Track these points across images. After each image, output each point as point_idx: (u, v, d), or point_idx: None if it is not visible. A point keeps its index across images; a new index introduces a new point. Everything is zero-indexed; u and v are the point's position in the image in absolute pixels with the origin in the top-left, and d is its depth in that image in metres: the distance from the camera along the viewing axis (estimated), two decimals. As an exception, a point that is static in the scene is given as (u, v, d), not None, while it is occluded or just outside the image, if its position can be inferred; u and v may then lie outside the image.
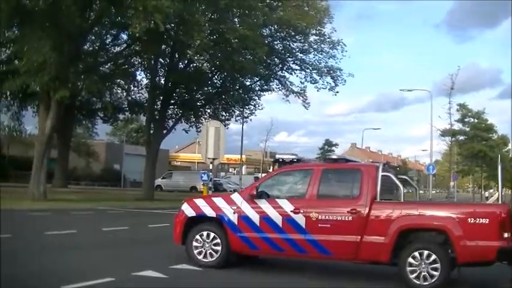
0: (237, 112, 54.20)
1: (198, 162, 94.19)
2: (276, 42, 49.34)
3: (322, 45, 49.52)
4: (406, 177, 15.77)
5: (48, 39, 31.87)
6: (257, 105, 53.48)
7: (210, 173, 28.90)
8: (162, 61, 49.52)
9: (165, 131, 48.92)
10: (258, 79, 51.09)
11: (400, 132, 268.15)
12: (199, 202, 13.58)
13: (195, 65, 48.69)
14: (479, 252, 11.20)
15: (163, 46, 45.76)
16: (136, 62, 49.28)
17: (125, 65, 46.98)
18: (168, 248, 15.58)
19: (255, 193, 12.88)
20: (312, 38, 49.28)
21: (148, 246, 16.36)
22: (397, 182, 12.70)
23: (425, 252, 11.31)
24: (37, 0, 28.78)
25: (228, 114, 53.11)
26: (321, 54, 49.97)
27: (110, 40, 46.94)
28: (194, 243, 13.07)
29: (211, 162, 28.53)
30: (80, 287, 9.76)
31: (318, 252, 12.23)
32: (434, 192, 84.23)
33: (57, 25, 32.58)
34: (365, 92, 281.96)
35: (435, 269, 11.19)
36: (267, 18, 43.83)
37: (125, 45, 46.72)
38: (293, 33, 48.02)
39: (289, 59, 50.83)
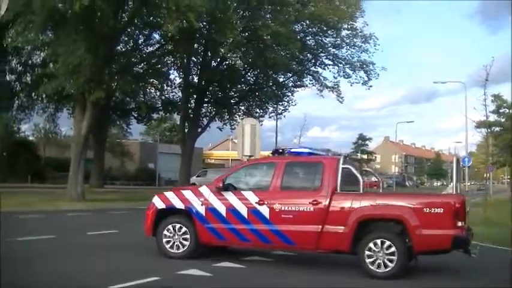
0: (271, 109, 54.29)
1: (232, 160, 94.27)
2: (308, 38, 49.26)
3: (355, 40, 49.38)
4: (370, 170, 16.22)
5: (83, 41, 32.06)
6: (290, 102, 53.56)
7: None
8: (195, 60, 49.76)
9: (199, 129, 49.14)
10: (291, 75, 51.09)
11: (434, 124, 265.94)
12: (169, 195, 13.89)
13: (227, 62, 48.88)
14: (434, 240, 11.64)
15: (195, 45, 45.98)
16: (169, 62, 49.63)
17: (158, 65, 47.28)
18: (209, 247, 15.68)
19: (221, 185, 13.15)
20: (344, 33, 49.17)
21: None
22: (357, 174, 12.85)
23: (383, 242, 11.70)
24: (71, 3, 28.89)
25: (262, 111, 53.25)
26: (354, 48, 49.86)
27: (142, 40, 47.20)
28: (164, 235, 13.43)
29: (247, 160, 28.61)
30: (126, 287, 9.81)
31: (281, 242, 12.60)
32: (469, 184, 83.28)
33: (91, 27, 32.82)
34: (398, 85, 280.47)
35: (392, 258, 11.59)
36: (299, 14, 43.78)
37: (157, 45, 47.02)
38: (325, 28, 47.91)
39: (322, 54, 50.74)
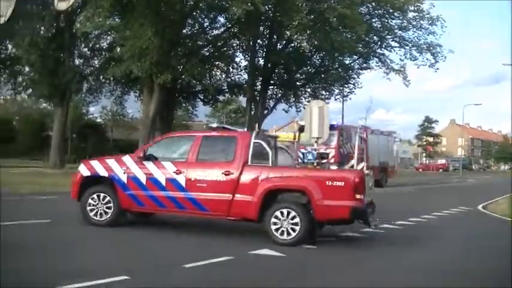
0: (337, 91, 53.99)
1: (297, 142, 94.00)
2: (374, 20, 48.70)
3: (421, 22, 48.59)
4: (283, 146, 17.83)
5: (150, 25, 32.49)
6: (356, 84, 53.18)
7: (315, 151, 29.11)
8: (261, 42, 49.73)
9: (265, 112, 49.15)
10: (357, 57, 50.69)
11: (501, 107, 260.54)
12: (94, 163, 14.83)
13: (293, 45, 48.72)
14: (335, 211, 12.68)
15: (261, 27, 46.01)
16: (234, 44, 49.72)
17: (224, 48, 47.45)
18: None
19: (142, 155, 14.25)
20: (410, 15, 48.40)
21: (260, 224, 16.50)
22: (268, 148, 13.84)
23: (287, 211, 12.73)
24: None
25: (327, 93, 52.96)
26: (420, 30, 49.07)
27: (208, 24, 47.39)
28: (89, 203, 14.36)
29: (315, 141, 28.63)
30: (202, 265, 9.96)
31: (195, 208, 13.59)
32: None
33: (158, 11, 33.19)
34: (465, 67, 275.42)
35: (296, 226, 12.59)
36: (365, -4, 43.42)
37: (222, 28, 47.16)
38: (391, 10, 47.28)
39: (388, 37, 50.11)
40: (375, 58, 50.96)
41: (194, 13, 42.05)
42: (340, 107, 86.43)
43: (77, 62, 48.31)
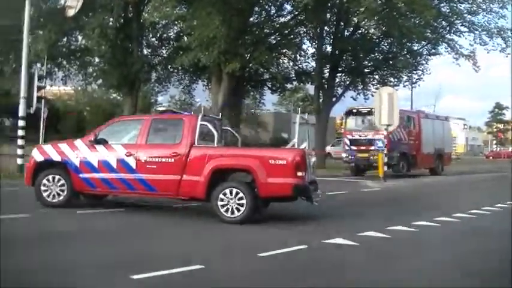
0: (405, 77, 53.12)
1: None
2: (442, 5, 47.61)
3: (491, 5, 47.38)
4: (228, 128, 18.01)
5: (218, 14, 32.53)
6: (425, 70, 52.27)
7: (385, 139, 28.71)
8: (328, 29, 49.35)
9: (333, 99, 48.81)
10: (425, 43, 49.81)
11: None
12: (47, 148, 15.59)
13: (361, 31, 48.24)
14: (278, 188, 13.49)
15: (328, 14, 45.67)
16: (301, 32, 49.48)
17: (291, 35, 47.27)
18: (350, 215, 15.77)
19: (93, 139, 14.92)
20: (479, -2, 47.31)
21: (331, 214, 16.40)
22: (213, 130, 14.61)
23: (233, 190, 13.48)
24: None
25: (396, 80, 52.14)
26: (490, 14, 47.81)
27: (274, 11, 47.23)
28: (43, 184, 15.09)
29: (385, 129, 28.37)
30: (277, 254, 9.95)
31: (145, 189, 14.39)
32: None
33: (225, 0, 33.22)
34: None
35: (241, 204, 13.40)
36: (433, -20, 42.57)
37: (289, 15, 46.96)
38: (460, -6, 46.34)
39: (457, 21, 48.89)
40: (443, 44, 49.81)
41: (261, 1, 41.95)
42: (409, 94, 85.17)
43: (145, 51, 48.78)
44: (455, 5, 47.27)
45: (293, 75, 53.04)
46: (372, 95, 50.23)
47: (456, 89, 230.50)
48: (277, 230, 13.28)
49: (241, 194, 13.40)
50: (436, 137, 39.21)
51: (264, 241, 11.57)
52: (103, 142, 14.84)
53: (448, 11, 47.44)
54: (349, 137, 36.15)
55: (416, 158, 36.58)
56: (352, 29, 48.14)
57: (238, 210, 13.43)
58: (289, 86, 57.21)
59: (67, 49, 47.57)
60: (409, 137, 35.97)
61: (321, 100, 48.15)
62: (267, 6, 45.33)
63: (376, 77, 52.52)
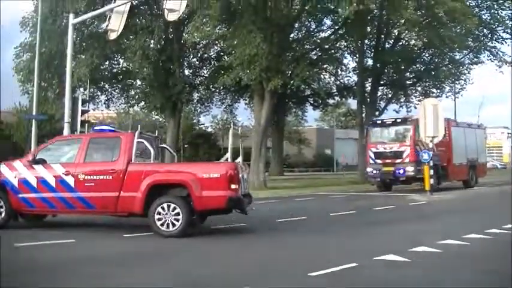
0: (448, 88, 52.60)
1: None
2: (483, 12, 47.15)
3: (535, 10, 46.72)
4: (165, 146, 19.08)
5: (259, 31, 32.52)
6: (467, 80, 51.67)
7: (430, 152, 28.24)
8: (368, 42, 49.13)
9: (376, 113, 48.47)
10: (467, 52, 49.24)
11: None
12: None
13: (401, 43, 47.93)
14: (213, 201, 13.71)
15: (368, 27, 45.45)
16: (342, 46, 49.33)
17: (331, 50, 47.11)
18: (399, 231, 15.45)
19: (32, 159, 14.98)
20: (521, 3, 46.64)
21: (379, 229, 16.11)
22: (150, 147, 15.09)
23: (169, 205, 13.66)
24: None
25: (438, 91, 51.67)
26: (534, 19, 47.19)
27: (314, 27, 47.19)
28: None
29: (430, 141, 28.02)
30: (327, 273, 9.68)
31: (84, 207, 14.42)
32: None
33: (265, 17, 33.23)
34: None
35: (178, 219, 13.56)
36: (472, -13, 42.17)
37: (329, 30, 46.88)
38: (500, 1, 45.69)
39: (499, 28, 48.34)
40: (486, 52, 49.31)
41: (301, 16, 41.91)
42: (452, 105, 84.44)
43: (186, 72, 49.04)
44: (496, 11, 46.70)
45: (335, 90, 52.91)
46: (415, 107, 49.82)
47: (500, 97, 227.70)
48: (333, 245, 13.02)
49: (177, 209, 13.57)
50: (468, 147, 36.93)
51: (308, 258, 11.30)
52: (41, 162, 14.91)
53: (489, 18, 46.90)
54: (374, 149, 34.03)
55: (447, 170, 34.17)
56: (392, 41, 47.86)
57: (174, 224, 13.58)
58: (331, 101, 57.11)
59: (109, 72, 48.08)
60: (439, 148, 32.24)
61: (363, 114, 47.86)
62: (306, 22, 45.31)
63: (419, 88, 52.26)
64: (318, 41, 45.90)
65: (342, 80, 52.60)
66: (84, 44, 42.00)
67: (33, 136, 25.83)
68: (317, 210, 22.43)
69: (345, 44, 49.11)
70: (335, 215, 19.70)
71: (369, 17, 41.54)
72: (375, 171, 33.51)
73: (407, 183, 34.07)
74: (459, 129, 36.46)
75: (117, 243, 13.48)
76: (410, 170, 31.68)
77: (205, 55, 50.24)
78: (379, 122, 35.73)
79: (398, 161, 31.95)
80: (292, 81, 39.59)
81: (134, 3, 26.65)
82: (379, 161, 33.26)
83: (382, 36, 47.20)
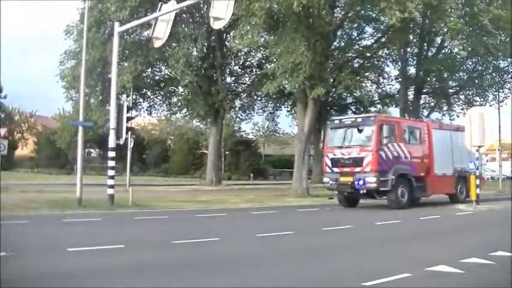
0: (491, 96, 52.01)
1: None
2: (528, 19, 46.63)
3: None
4: None
5: (302, 39, 32.57)
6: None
7: (477, 161, 27.85)
8: (410, 50, 48.90)
9: (419, 122, 48.19)
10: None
11: None
12: None
13: (445, 51, 47.56)
14: None
15: (410, 36, 45.22)
16: (384, 54, 49.17)
17: (373, 58, 46.99)
18: (448, 241, 15.32)
19: None
20: None
21: (427, 239, 15.99)
22: None
23: None
24: (290, 3, 29.41)
25: (482, 100, 51.14)
26: None
27: (356, 35, 47.14)
28: None
29: (477, 150, 27.74)
30: (381, 283, 9.63)
31: None
32: None
33: (309, 25, 33.26)
34: None
35: None
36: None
37: (370, 38, 46.79)
38: (548, 9, 45.11)
39: (545, 36, 47.78)
40: (532, 59, 48.71)
41: (344, 24, 41.86)
42: (496, 113, 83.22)
43: (228, 79, 49.30)
44: (541, 17, 46.03)
45: (376, 99, 52.73)
46: (458, 116, 49.45)
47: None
48: (387, 254, 12.96)
49: None
50: (457, 154, 30.50)
51: (359, 268, 11.23)
52: None
53: (534, 24, 46.27)
54: (331, 155, 28.12)
55: (426, 182, 28.41)
56: (435, 49, 47.53)
57: None
58: (373, 109, 56.90)
59: (151, 79, 48.60)
60: (413, 155, 27.79)
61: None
62: (349, 30, 45.25)
63: (462, 97, 51.76)
64: (360, 49, 45.81)
65: (383, 88, 52.42)
66: (127, 51, 42.50)
67: (80, 142, 25.97)
68: (362, 218, 22.33)
69: (387, 52, 48.90)
70: (381, 224, 19.60)
71: (411, 25, 41.34)
72: (331, 182, 27.81)
73: (370, 197, 27.64)
74: (443, 133, 30.68)
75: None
76: (371, 181, 26.05)
77: (247, 63, 50.46)
78: (337, 121, 29.95)
79: (358, 169, 26.43)
80: (334, 89, 39.55)
81: (177, 11, 26.75)
82: (336, 170, 27.62)
83: (425, 44, 46.87)
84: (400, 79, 48.99)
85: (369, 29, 46.25)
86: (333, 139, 28.79)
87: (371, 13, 39.80)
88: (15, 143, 74.55)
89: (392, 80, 51.58)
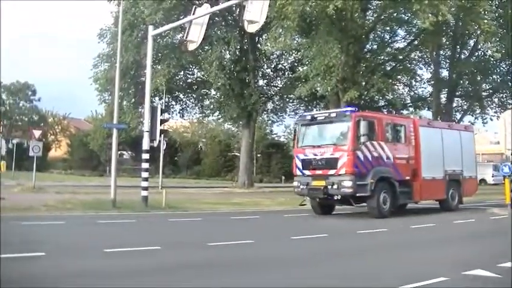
0: (527, 98, 51.53)
1: (481, 154, 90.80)
2: None
3: None
4: None
5: (335, 42, 32.60)
6: (546, 91, 50.53)
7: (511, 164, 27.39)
8: (443, 53, 48.63)
9: (452, 124, 47.86)
10: (545, 61, 48.17)
11: None
12: None
13: (478, 54, 47.25)
14: None
15: (443, 38, 44.99)
16: (416, 57, 48.93)
17: (406, 61, 46.79)
18: (484, 244, 15.23)
19: None
20: None
21: (462, 243, 15.91)
22: None
23: None
24: (324, 6, 29.48)
25: (516, 102, 50.78)
26: None
27: (388, 37, 46.96)
28: None
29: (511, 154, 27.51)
30: (419, 286, 9.62)
31: None
32: None
33: (341, 28, 33.29)
34: None
35: None
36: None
37: (403, 41, 46.63)
38: None
39: None
40: None
41: (377, 26, 41.80)
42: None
43: (260, 82, 49.39)
44: None
45: (409, 101, 52.46)
46: (491, 119, 49.07)
47: None
48: (422, 258, 12.80)
49: None
50: (448, 155, 26.99)
51: (396, 271, 11.20)
52: None
53: None
54: (301, 156, 24.42)
55: (412, 186, 24.81)
56: (468, 51, 47.23)
57: None
58: (405, 112, 56.59)
59: (184, 82, 48.86)
60: (397, 155, 24.23)
61: (438, 126, 47.38)
62: (380, 32, 45.10)
63: (495, 100, 51.28)
64: (393, 51, 45.65)
65: (416, 91, 52.14)
66: (160, 54, 42.80)
67: (114, 144, 26.19)
68: (397, 222, 22.22)
69: (420, 54, 48.67)
70: (415, 227, 19.54)
71: (444, 28, 41.13)
72: (302, 186, 23.96)
73: (347, 203, 24.02)
74: (432, 132, 26.93)
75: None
76: (347, 185, 22.35)
77: (280, 65, 50.53)
78: (308, 117, 25.91)
79: (332, 172, 22.81)
80: (366, 92, 39.54)
81: (210, 15, 26.88)
82: (307, 172, 24.02)
83: (458, 46, 46.69)
84: (432, 82, 48.68)
85: (401, 32, 46.09)
86: (304, 137, 24.98)
87: (403, 16, 39.63)
88: (48, 144, 75.52)
89: (424, 82, 51.29)
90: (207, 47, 41.94)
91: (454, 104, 49.75)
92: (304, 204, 25.52)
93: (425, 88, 51.53)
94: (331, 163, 22.74)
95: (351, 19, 33.49)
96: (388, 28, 44.62)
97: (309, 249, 14.12)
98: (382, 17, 39.90)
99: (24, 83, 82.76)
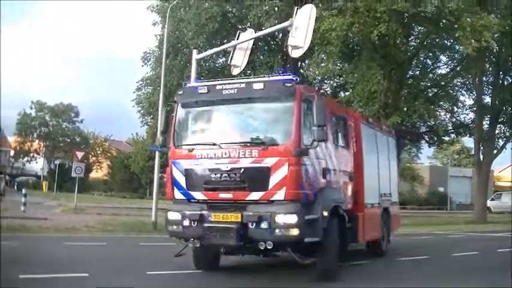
0: None
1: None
2: None
3: None
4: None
5: (378, 68, 32.61)
6: None
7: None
8: (485, 79, 48.17)
9: (494, 151, 47.30)
10: None
11: None
12: None
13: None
14: None
15: (486, 64, 44.62)
16: (458, 83, 48.53)
17: (448, 87, 46.45)
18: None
19: None
20: None
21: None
22: None
23: None
24: (368, 32, 29.55)
25: (560, 130, 49.92)
26: None
27: (430, 63, 46.72)
28: None
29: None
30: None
31: None
32: None
33: (384, 54, 33.30)
34: None
35: None
36: None
37: (444, 67, 46.35)
38: None
39: None
40: None
41: (420, 52, 41.69)
42: None
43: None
44: None
45: (450, 128, 51.99)
46: (535, 147, 48.35)
47: None
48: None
49: None
50: (382, 172, 18.79)
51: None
52: None
53: None
54: (185, 163, 13.52)
55: (356, 219, 15.69)
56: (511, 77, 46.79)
57: None
58: (446, 138, 56.12)
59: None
60: (341, 168, 15.11)
61: (481, 153, 46.88)
62: (423, 59, 44.91)
63: (540, 127, 50.53)
64: (435, 77, 45.41)
65: (458, 117, 51.63)
66: (202, 77, 43.01)
67: (156, 167, 26.44)
68: (438, 249, 22.02)
69: (462, 80, 48.26)
70: (458, 255, 19.34)
71: (487, 53, 40.86)
72: (186, 222, 13.09)
73: (275, 250, 13.03)
74: (372, 134, 18.54)
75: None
76: (288, 221, 12.12)
77: (322, 90, 50.50)
78: (202, 90, 13.76)
79: (255, 195, 12.65)
80: (408, 118, 39.35)
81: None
82: (199, 196, 13.31)
83: (501, 72, 46.14)
84: (475, 108, 48.22)
85: (443, 58, 45.75)
86: (193, 128, 14.30)
87: (446, 42, 39.40)
88: (90, 166, 76.41)
89: (467, 109, 50.74)
90: (249, 71, 42.10)
91: (497, 131, 49.07)
92: (181, 255, 13.88)
93: (467, 114, 51.03)
94: (255, 178, 12.70)
95: (394, 45, 33.45)
96: (430, 54, 44.38)
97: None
98: (425, 43, 39.81)
99: (67, 105, 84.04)
